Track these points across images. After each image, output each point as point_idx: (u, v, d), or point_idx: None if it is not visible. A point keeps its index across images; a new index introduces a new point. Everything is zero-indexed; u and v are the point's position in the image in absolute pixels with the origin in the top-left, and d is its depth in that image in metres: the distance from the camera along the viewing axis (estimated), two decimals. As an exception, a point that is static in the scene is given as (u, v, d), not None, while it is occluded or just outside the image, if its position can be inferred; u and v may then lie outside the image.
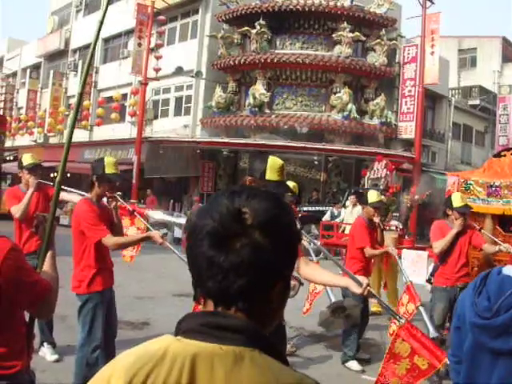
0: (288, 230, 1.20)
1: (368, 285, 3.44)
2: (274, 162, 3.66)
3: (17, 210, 6.01)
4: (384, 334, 7.44)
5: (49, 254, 2.80)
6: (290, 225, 1.21)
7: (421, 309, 5.97)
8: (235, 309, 1.14)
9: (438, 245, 6.46)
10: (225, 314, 1.14)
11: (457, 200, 6.35)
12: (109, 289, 5.15)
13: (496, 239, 6.40)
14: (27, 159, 6.20)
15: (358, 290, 3.42)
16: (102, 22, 2.68)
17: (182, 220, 17.57)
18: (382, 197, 7.26)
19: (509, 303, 1.69)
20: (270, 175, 3.59)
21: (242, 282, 1.12)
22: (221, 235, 1.13)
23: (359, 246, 6.87)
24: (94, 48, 2.80)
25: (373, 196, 6.97)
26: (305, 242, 6.68)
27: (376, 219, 6.89)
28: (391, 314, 3.96)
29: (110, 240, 4.81)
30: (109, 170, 4.94)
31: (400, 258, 6.88)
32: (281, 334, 3.71)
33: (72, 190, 6.51)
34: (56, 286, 2.77)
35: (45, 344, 6.37)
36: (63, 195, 6.26)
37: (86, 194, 5.47)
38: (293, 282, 3.75)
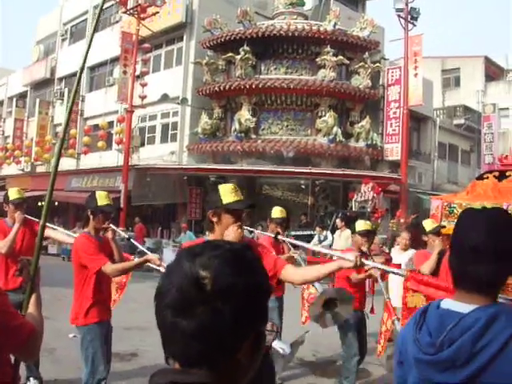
0: (251, 292, 1.16)
1: (358, 256, 3.51)
2: (224, 187, 3.70)
3: (2, 246, 5.97)
4: (382, 357, 7.31)
5: (33, 296, 2.80)
6: (253, 287, 1.17)
7: (396, 323, 5.97)
8: (199, 369, 1.14)
9: (426, 267, 6.48)
10: (190, 372, 1.14)
11: (428, 224, 6.63)
12: (106, 322, 5.17)
13: None
14: (13, 194, 6.19)
15: (351, 264, 3.49)
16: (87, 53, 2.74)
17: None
18: (369, 223, 7.13)
19: (451, 338, 1.72)
20: (226, 199, 3.63)
21: (203, 348, 1.12)
22: (181, 302, 1.13)
23: (344, 276, 6.75)
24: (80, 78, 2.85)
25: (360, 224, 6.86)
26: (296, 256, 6.68)
27: (364, 248, 6.56)
28: (391, 272, 3.96)
29: (108, 267, 4.85)
30: (101, 202, 5.08)
31: (381, 279, 6.75)
32: (267, 364, 3.67)
33: (57, 227, 6.52)
34: (41, 328, 2.77)
35: (31, 379, 6.26)
36: (49, 233, 6.29)
37: (69, 232, 5.49)
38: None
